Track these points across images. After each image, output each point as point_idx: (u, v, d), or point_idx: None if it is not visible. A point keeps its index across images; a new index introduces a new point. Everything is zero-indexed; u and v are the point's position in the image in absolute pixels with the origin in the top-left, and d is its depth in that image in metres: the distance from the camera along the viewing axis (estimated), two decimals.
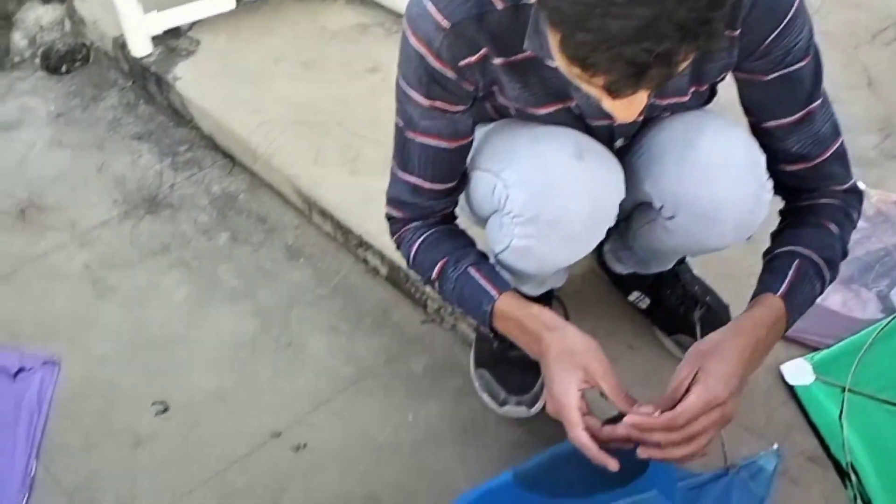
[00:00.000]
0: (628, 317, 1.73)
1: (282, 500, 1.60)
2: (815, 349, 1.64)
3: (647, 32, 0.88)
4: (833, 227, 1.33)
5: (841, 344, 1.64)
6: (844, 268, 1.74)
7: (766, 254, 1.36)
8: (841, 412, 1.54)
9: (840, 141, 1.34)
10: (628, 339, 1.70)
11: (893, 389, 1.56)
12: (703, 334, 1.58)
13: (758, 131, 1.34)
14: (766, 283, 1.30)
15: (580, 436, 1.18)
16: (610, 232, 1.68)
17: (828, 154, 1.33)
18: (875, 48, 2.27)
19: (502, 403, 1.62)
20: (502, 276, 1.37)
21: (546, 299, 1.63)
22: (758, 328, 1.24)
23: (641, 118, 1.33)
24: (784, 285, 1.27)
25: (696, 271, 1.70)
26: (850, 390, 1.57)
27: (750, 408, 1.56)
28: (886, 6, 2.40)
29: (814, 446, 1.52)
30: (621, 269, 1.70)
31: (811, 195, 1.36)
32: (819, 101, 1.30)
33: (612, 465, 1.18)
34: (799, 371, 1.61)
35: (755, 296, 1.30)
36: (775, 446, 1.47)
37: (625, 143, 1.39)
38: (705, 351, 1.22)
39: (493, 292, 1.32)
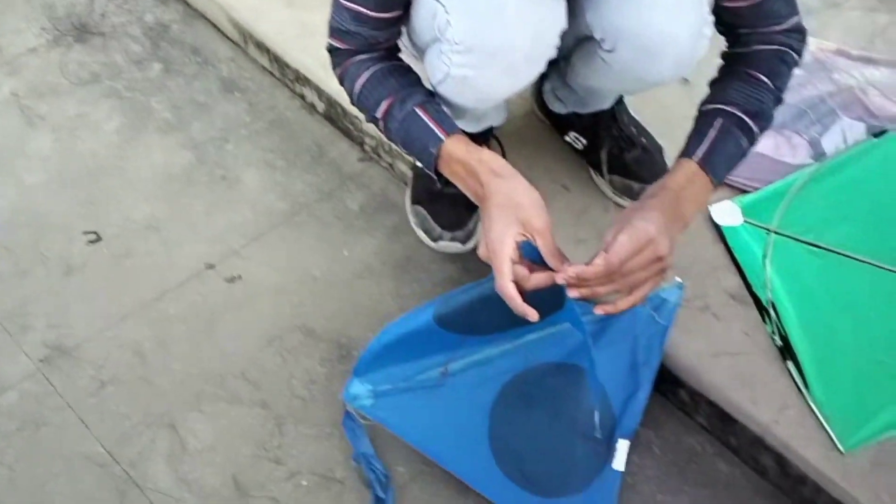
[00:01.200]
0: (564, 157, 1.74)
1: (215, 329, 1.61)
2: (745, 192, 1.68)
3: None
4: (764, 78, 1.33)
5: (770, 187, 1.67)
6: (777, 114, 1.77)
7: (700, 106, 1.37)
8: (766, 253, 1.58)
9: None
10: (563, 180, 1.72)
11: (817, 231, 1.61)
12: (636, 175, 1.62)
13: None
14: (687, 145, 1.32)
15: (507, 286, 1.20)
16: (550, 69, 1.67)
17: None
18: None
19: (437, 239, 1.63)
20: (450, 118, 1.34)
21: (484, 137, 1.63)
22: (671, 190, 1.27)
23: None
24: (702, 148, 1.29)
25: (632, 113, 1.71)
26: (775, 232, 1.61)
27: (677, 246, 1.60)
28: None
29: (737, 284, 1.57)
30: (560, 108, 1.69)
31: (749, 38, 1.35)
32: None
33: (533, 315, 1.21)
34: (727, 212, 1.64)
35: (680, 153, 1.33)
36: (677, 279, 1.51)
37: None
38: (627, 211, 1.25)
39: (441, 134, 1.30)
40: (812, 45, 1.91)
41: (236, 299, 1.65)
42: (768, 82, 1.34)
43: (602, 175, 1.68)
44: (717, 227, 1.63)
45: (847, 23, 1.96)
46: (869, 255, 1.57)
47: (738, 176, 1.67)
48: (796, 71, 1.85)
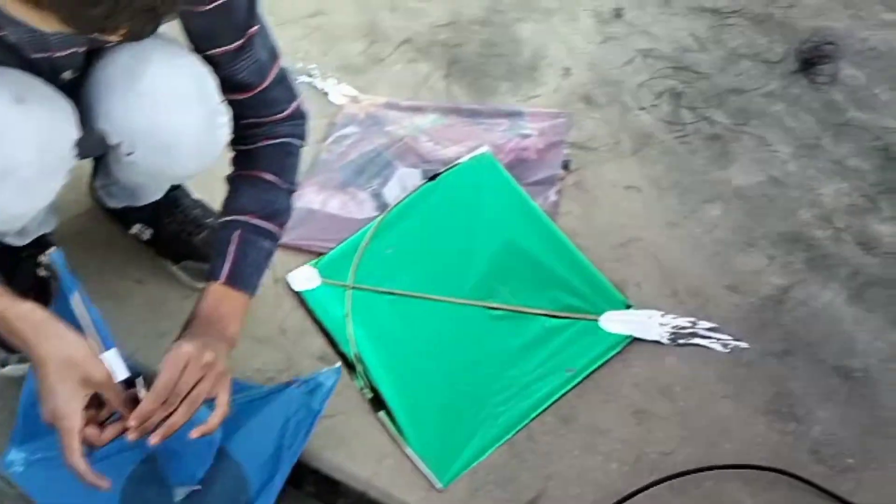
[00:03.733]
0: (134, 251, 1.69)
1: None
2: (321, 254, 1.72)
3: None
4: (273, 179, 1.39)
5: (342, 245, 1.72)
6: (339, 174, 1.85)
7: (219, 215, 1.41)
8: (346, 310, 1.63)
9: (278, 65, 1.37)
10: (136, 275, 1.67)
11: (390, 279, 1.68)
12: (208, 257, 1.61)
13: (204, 61, 1.33)
14: (212, 267, 1.35)
15: (76, 463, 1.16)
16: (98, 167, 1.63)
17: (269, 80, 1.35)
18: None
19: (2, 364, 1.52)
20: None
21: (39, 246, 1.55)
22: (202, 317, 1.30)
23: (83, 49, 1.27)
24: (226, 268, 1.34)
25: (198, 194, 1.70)
26: (353, 287, 1.66)
27: (261, 321, 1.61)
28: None
29: (324, 346, 1.60)
30: (116, 203, 1.65)
31: (255, 133, 1.39)
32: (257, 27, 1.30)
33: (105, 486, 1.19)
34: (305, 277, 1.67)
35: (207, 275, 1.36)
36: (337, 365, 1.51)
37: (76, 76, 1.32)
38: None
39: None
40: (364, 101, 2.01)
41: None
42: (278, 182, 1.39)
43: (175, 263, 1.65)
44: (297, 294, 1.66)
45: (393, 76, 2.08)
46: (437, 292, 1.66)
47: (311, 239, 1.72)
48: (353, 129, 1.95)
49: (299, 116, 1.42)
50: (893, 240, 1.77)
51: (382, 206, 1.80)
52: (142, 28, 0.94)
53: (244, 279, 1.34)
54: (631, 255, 1.75)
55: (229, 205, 1.39)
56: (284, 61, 1.39)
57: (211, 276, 1.33)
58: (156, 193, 1.60)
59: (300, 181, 1.45)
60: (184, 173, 1.38)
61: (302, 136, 1.43)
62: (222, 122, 1.33)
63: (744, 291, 1.69)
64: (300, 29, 2.15)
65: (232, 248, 1.34)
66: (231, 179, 1.41)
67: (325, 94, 2.01)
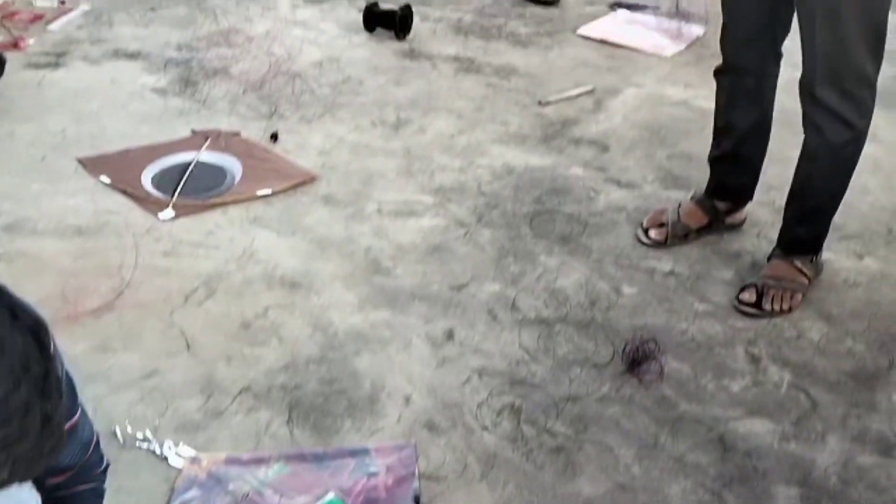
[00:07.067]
0: None
1: None
2: None
3: None
4: None
5: None
6: None
7: None
8: None
9: (95, 434, 1.43)
10: None
11: None
12: None
13: None
14: None
15: None
16: None
17: (90, 452, 1.41)
18: (189, 310, 2.38)
19: None
20: None
21: None
22: None
23: None
24: None
25: None
26: None
27: None
28: (194, 267, 2.54)
29: None
30: None
31: (73, 481, 1.42)
32: (78, 415, 1.33)
33: None
34: None
35: None
36: None
37: None
38: None
39: None
40: (204, 461, 1.96)
41: None
42: None
43: None
44: None
45: (232, 429, 2.04)
46: None
47: None
48: (194, 492, 1.90)
49: (107, 466, 1.51)
50: None
51: None
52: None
53: None
54: None
55: None
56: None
57: None
58: None
59: None
60: None
61: (104, 482, 1.51)
62: None
63: None
64: (135, 392, 2.12)
65: None
66: None
67: (165, 458, 1.96)
